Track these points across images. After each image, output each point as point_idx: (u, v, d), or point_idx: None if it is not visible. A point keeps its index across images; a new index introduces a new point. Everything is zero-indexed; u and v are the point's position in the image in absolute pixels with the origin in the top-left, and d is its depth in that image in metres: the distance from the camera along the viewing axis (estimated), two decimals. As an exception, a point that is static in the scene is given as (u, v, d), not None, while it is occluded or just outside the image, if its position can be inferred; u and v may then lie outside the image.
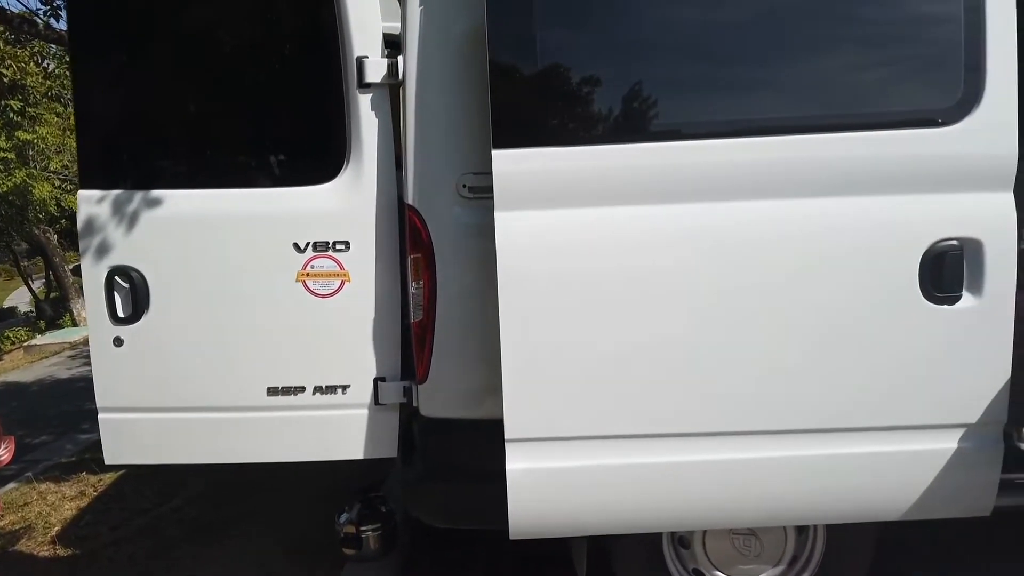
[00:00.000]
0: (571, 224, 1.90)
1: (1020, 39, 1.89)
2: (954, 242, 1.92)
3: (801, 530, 2.25)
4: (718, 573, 2.27)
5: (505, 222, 1.90)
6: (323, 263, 2.17)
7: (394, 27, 2.16)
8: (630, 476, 1.98)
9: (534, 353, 1.91)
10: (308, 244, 2.17)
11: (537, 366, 1.92)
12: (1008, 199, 1.93)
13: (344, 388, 2.24)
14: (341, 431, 2.29)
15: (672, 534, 2.25)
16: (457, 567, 2.89)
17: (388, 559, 2.84)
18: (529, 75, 1.92)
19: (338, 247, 2.17)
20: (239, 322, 2.22)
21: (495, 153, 1.88)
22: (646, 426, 1.96)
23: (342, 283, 2.19)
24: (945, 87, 1.92)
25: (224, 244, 2.21)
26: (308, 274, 2.18)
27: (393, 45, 2.17)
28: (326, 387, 2.24)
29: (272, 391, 2.23)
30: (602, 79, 1.94)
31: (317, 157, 2.23)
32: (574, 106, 1.94)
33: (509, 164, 1.88)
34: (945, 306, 1.93)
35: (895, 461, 2.01)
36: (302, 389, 2.24)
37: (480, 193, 2.03)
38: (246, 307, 2.22)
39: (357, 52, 2.13)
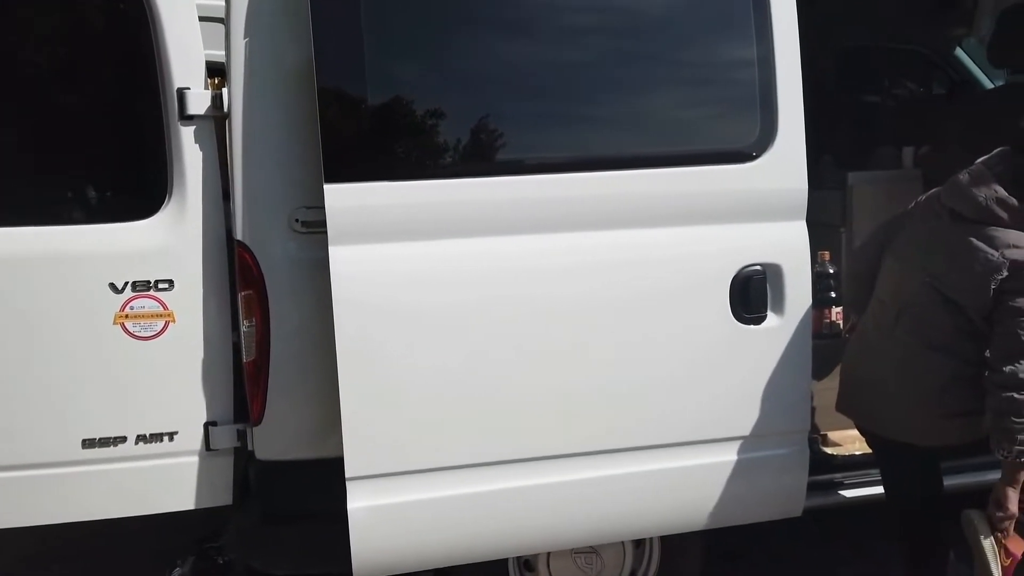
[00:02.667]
0: (406, 258, 1.91)
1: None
2: (758, 267, 2.11)
3: (638, 544, 2.36)
4: (563, 593, 2.33)
5: (340, 256, 1.88)
6: (144, 304, 2.04)
7: (220, 55, 2.09)
8: (472, 505, 2.00)
9: (372, 389, 1.90)
10: (126, 284, 2.03)
11: (376, 402, 1.90)
12: (802, 227, 2.15)
13: (171, 435, 2.11)
14: (170, 481, 2.15)
15: (518, 559, 2.28)
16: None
17: (227, 613, 2.68)
18: (359, 109, 1.92)
19: (160, 286, 2.06)
20: (48, 371, 2.04)
21: (327, 188, 1.86)
22: (485, 455, 1.99)
23: (166, 324, 2.07)
24: (745, 127, 2.12)
25: (30, 286, 2.03)
26: (127, 316, 2.04)
27: (219, 73, 2.10)
28: (150, 435, 2.10)
29: (88, 443, 2.06)
30: (433, 114, 1.98)
31: (135, 191, 2.11)
32: (406, 141, 1.97)
33: (342, 199, 1.87)
34: (753, 326, 2.11)
35: (717, 472, 2.16)
36: (123, 439, 2.08)
37: (314, 227, 1.99)
38: (56, 354, 2.04)
39: (178, 83, 2.04)
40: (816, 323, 2.57)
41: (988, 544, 1.90)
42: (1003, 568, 1.91)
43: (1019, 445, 1.80)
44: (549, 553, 2.29)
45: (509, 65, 2.03)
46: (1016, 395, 1.79)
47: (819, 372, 2.38)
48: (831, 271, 2.57)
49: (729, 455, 2.16)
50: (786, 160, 2.11)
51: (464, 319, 1.95)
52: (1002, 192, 1.86)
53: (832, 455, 2.45)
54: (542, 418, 2.02)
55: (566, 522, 2.11)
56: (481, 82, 2.01)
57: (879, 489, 2.33)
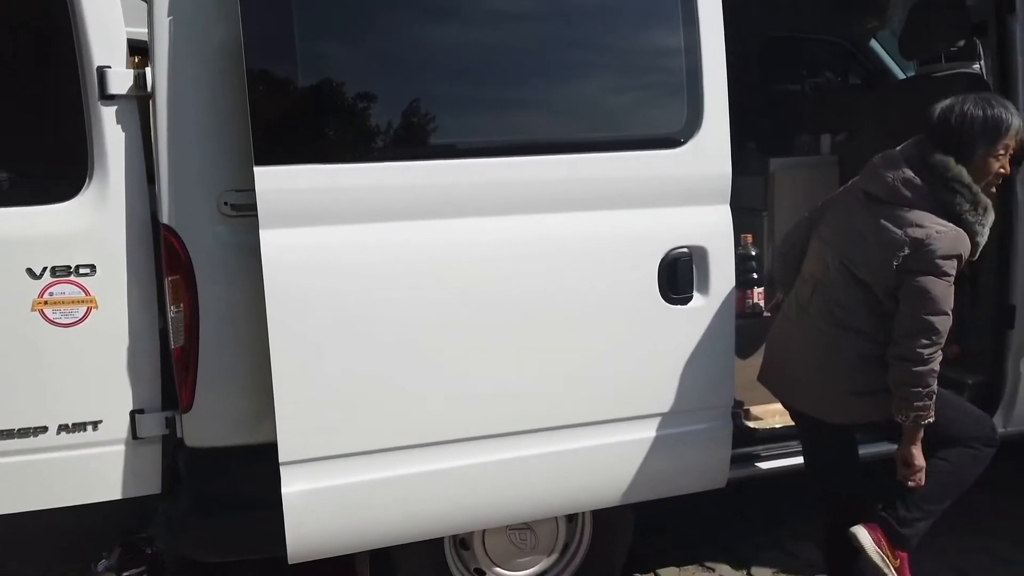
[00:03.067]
0: (336, 241, 1.90)
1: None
2: (685, 249, 2.18)
3: (571, 519, 2.42)
4: (498, 569, 2.37)
5: (270, 240, 1.86)
6: (64, 289, 1.98)
7: (143, 32, 2.03)
8: (406, 486, 2.02)
9: (304, 372, 1.89)
10: (45, 269, 1.96)
11: (308, 386, 1.90)
12: (726, 211, 2.23)
13: (95, 424, 2.05)
14: (94, 471, 2.10)
15: (454, 537, 2.31)
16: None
17: (157, 603, 2.63)
18: (289, 89, 1.90)
19: (82, 271, 1.99)
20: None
21: (257, 171, 1.83)
22: (418, 437, 2.01)
23: (88, 310, 2.01)
24: (673, 114, 2.18)
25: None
26: (46, 302, 1.97)
27: (143, 51, 2.04)
28: (73, 425, 2.04)
29: (6, 434, 1.99)
30: (364, 95, 1.96)
31: (54, 173, 2.02)
32: (336, 123, 1.96)
33: (272, 182, 1.84)
34: (680, 306, 2.19)
35: (646, 446, 2.23)
36: (43, 429, 2.02)
37: (244, 211, 1.96)
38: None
39: (98, 61, 1.97)
40: (739, 303, 2.69)
41: (875, 553, 2.05)
42: (896, 569, 2.08)
43: (915, 411, 1.93)
44: (484, 531, 2.33)
45: (440, 49, 2.03)
46: (914, 367, 1.91)
47: (742, 350, 2.48)
48: (753, 253, 2.67)
49: (657, 430, 2.23)
50: (711, 146, 2.18)
51: (394, 303, 1.95)
52: (909, 173, 1.97)
53: (755, 428, 2.56)
54: (475, 400, 2.05)
55: (500, 500, 2.15)
56: (411, 65, 2.00)
57: (799, 460, 2.46)
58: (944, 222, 1.93)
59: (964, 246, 1.93)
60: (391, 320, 1.96)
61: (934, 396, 1.94)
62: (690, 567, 2.78)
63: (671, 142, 2.16)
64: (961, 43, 2.86)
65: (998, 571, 2.65)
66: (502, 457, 2.10)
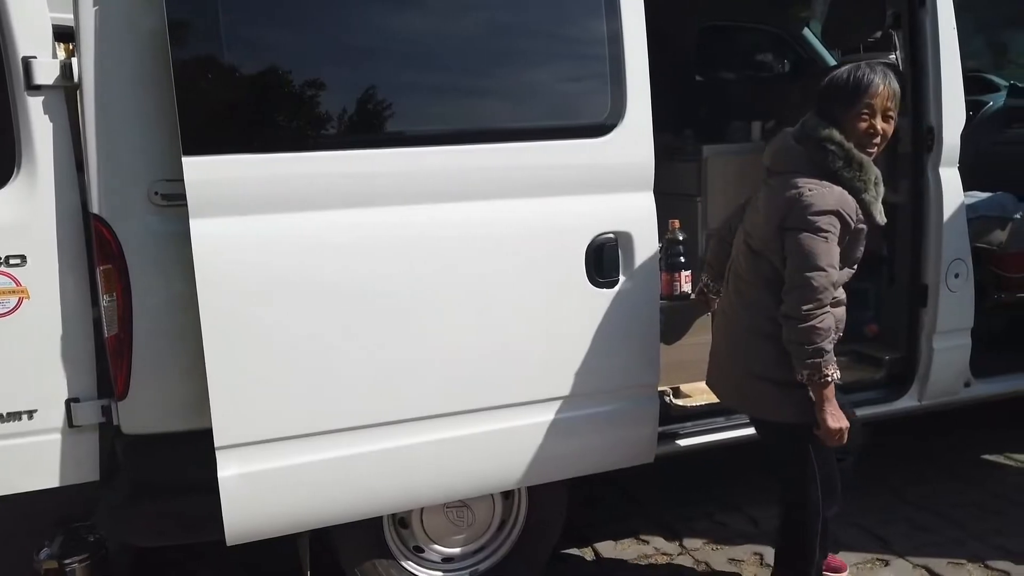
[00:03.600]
0: (267, 230, 1.94)
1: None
2: (611, 235, 2.26)
3: (507, 496, 2.50)
4: (437, 546, 2.45)
5: (201, 229, 1.89)
6: (-6, 280, 1.99)
7: (69, 18, 2.02)
8: (343, 467, 2.08)
9: (238, 359, 1.93)
10: (-26, 260, 1.97)
11: (242, 372, 1.94)
12: (649, 197, 2.31)
13: (30, 413, 2.07)
14: (31, 460, 2.11)
15: (393, 517, 2.38)
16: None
17: (101, 590, 2.65)
18: (215, 79, 1.92)
19: (12, 262, 2.00)
20: None
21: (185, 160, 1.86)
22: (353, 419, 2.07)
23: (20, 301, 2.02)
24: (598, 104, 2.25)
25: None
26: (-24, 293, 1.98)
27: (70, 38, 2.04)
28: (7, 414, 2.05)
29: (-62, 425, 2.00)
30: (290, 83, 1.99)
31: (-21, 164, 2.02)
32: (263, 112, 1.98)
33: (201, 171, 1.88)
34: (606, 289, 2.27)
35: (578, 424, 2.32)
36: (-23, 419, 2.03)
37: (175, 200, 1.98)
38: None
39: (22, 52, 1.96)
40: (667, 287, 2.79)
41: None
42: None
43: (807, 369, 1.98)
44: (423, 509, 2.40)
45: (365, 36, 2.06)
46: (798, 325, 1.97)
47: (669, 332, 2.58)
48: (681, 238, 2.77)
49: (588, 409, 2.32)
50: (635, 134, 2.26)
51: (324, 289, 2.00)
52: (790, 141, 2.09)
53: (683, 406, 2.66)
54: (409, 383, 2.11)
55: (436, 479, 2.22)
56: (335, 53, 2.04)
57: (724, 435, 2.58)
58: (821, 182, 1.99)
59: (845, 203, 1.99)
60: (321, 306, 2.01)
61: (825, 355, 1.97)
62: (626, 540, 2.89)
63: (596, 131, 2.24)
64: (878, 34, 2.98)
65: (918, 538, 2.80)
66: (437, 437, 2.17)
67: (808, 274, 1.96)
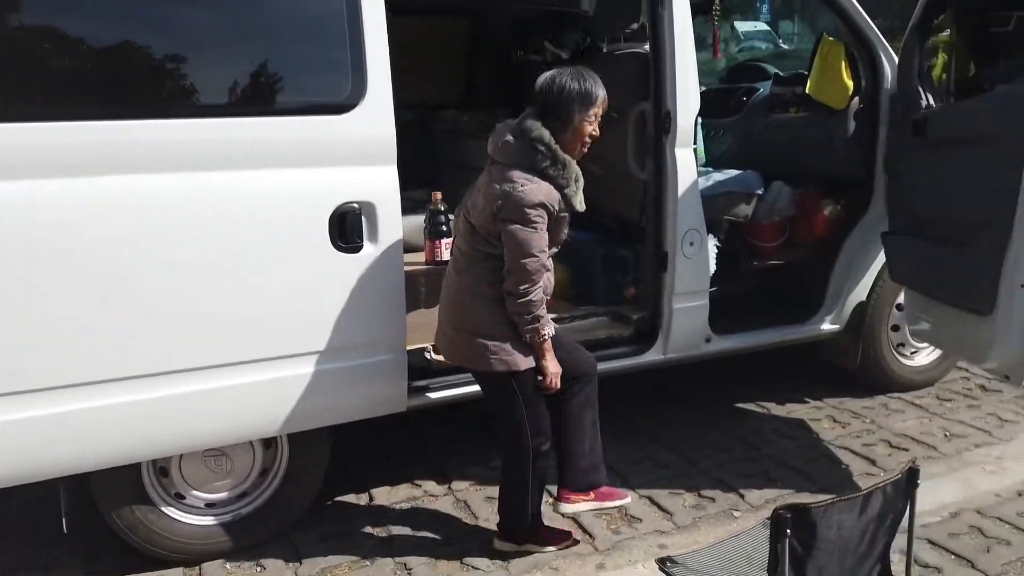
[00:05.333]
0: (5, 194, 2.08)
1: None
2: (355, 205, 2.48)
3: (268, 444, 2.70)
4: (196, 492, 2.63)
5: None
6: None
7: None
8: (83, 420, 2.24)
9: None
10: None
11: None
12: (392, 171, 2.54)
13: None
14: None
15: (153, 465, 2.54)
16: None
17: None
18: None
19: None
20: None
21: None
22: (81, 375, 2.24)
23: None
24: (340, 83, 2.46)
25: None
26: None
27: None
28: None
29: None
30: (12, 51, 2.12)
31: None
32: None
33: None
34: (351, 254, 2.49)
35: (332, 376, 2.54)
36: None
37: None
38: None
39: None
40: (429, 253, 3.05)
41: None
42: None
43: (529, 331, 2.34)
44: (181, 457, 2.57)
45: (97, 9, 2.21)
46: (517, 300, 2.30)
47: (431, 295, 2.83)
48: (442, 208, 3.01)
49: (340, 362, 2.55)
50: (376, 112, 2.48)
51: (61, 251, 2.15)
52: (508, 137, 2.35)
53: (441, 361, 2.91)
54: (142, 341, 2.29)
55: (186, 429, 2.41)
56: (66, 24, 2.16)
57: (474, 388, 2.86)
58: (531, 177, 2.29)
59: (551, 196, 2.29)
60: (62, 265, 2.16)
61: (541, 320, 2.34)
62: (402, 485, 3.15)
63: (338, 109, 2.44)
64: (635, 26, 3.30)
65: (654, 474, 3.18)
66: (183, 391, 2.35)
67: (523, 260, 2.29)
